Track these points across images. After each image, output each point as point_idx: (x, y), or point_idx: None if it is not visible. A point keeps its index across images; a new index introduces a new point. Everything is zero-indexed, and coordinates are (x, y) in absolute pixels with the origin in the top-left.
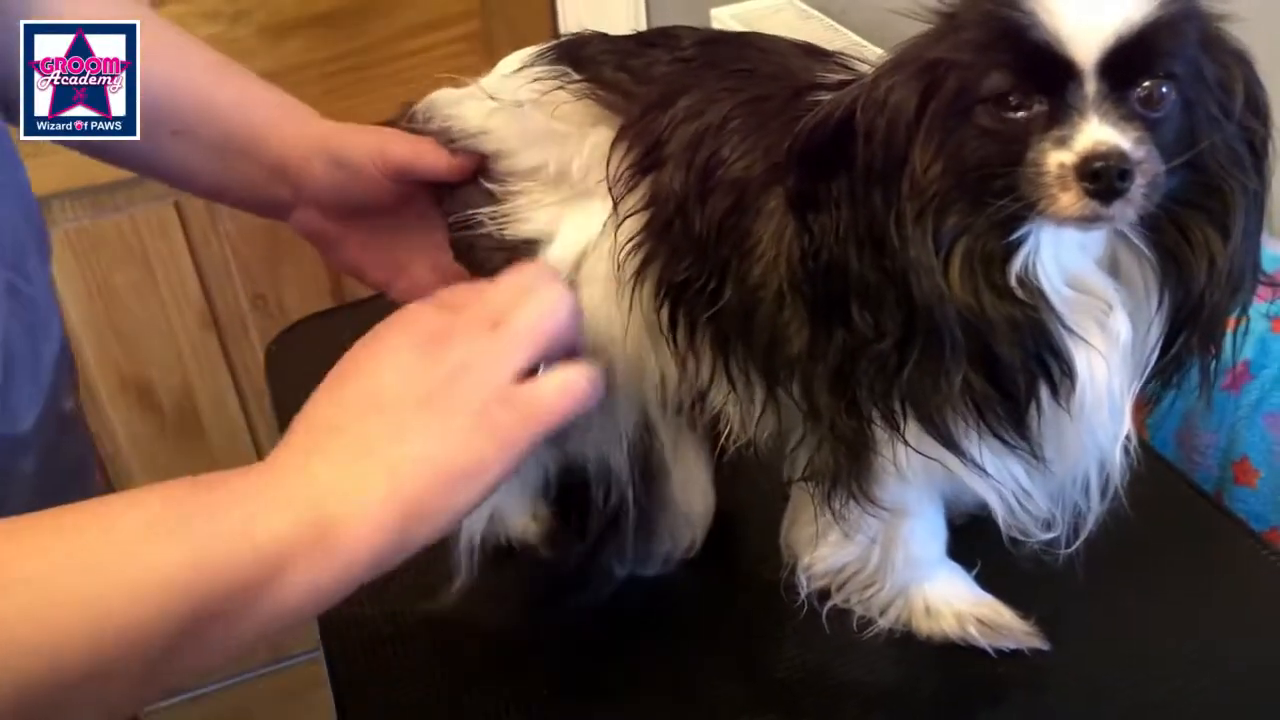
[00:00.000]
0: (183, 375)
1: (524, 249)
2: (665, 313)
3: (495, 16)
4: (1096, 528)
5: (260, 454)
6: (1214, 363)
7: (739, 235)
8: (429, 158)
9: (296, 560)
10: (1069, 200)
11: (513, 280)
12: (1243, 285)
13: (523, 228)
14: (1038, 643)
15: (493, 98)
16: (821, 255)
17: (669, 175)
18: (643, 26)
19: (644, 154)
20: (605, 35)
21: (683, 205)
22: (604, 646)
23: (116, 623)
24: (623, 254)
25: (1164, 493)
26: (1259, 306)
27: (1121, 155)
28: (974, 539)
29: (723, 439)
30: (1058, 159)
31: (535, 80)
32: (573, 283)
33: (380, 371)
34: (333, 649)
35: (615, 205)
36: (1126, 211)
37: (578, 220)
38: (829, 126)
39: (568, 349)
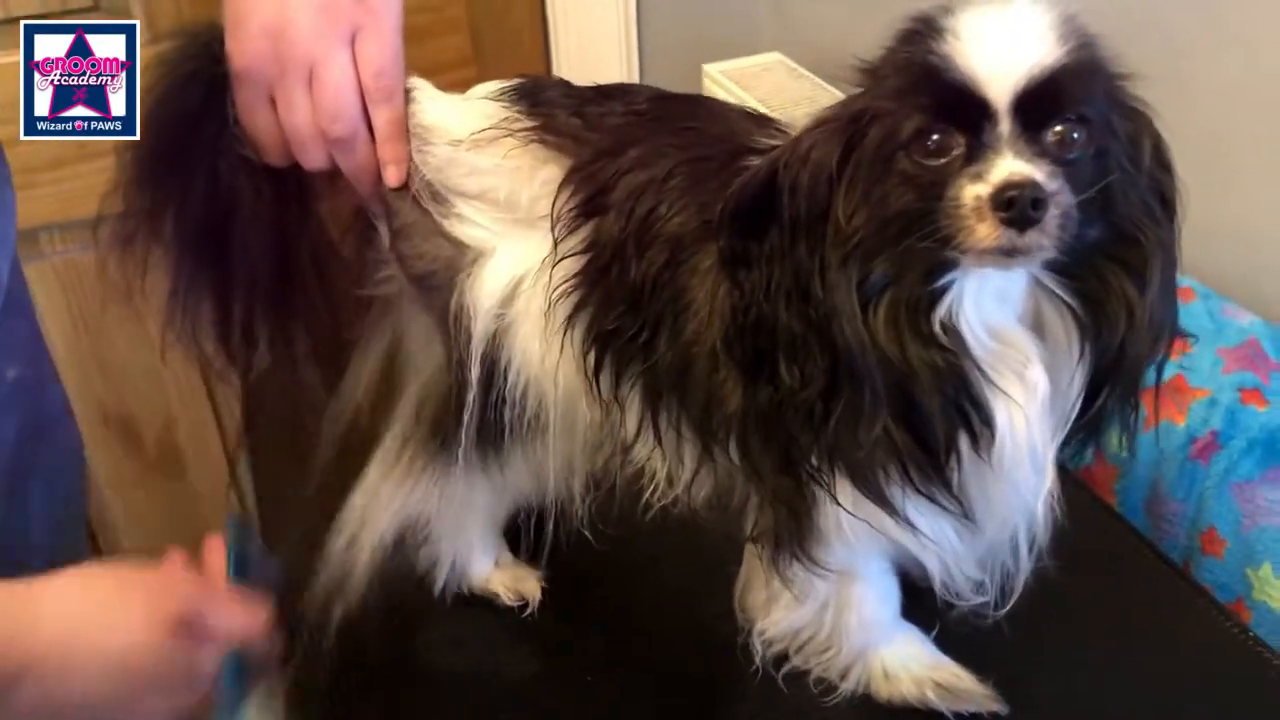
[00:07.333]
0: (166, 411)
1: (458, 247)
2: (591, 358)
3: (489, 65)
4: (1061, 592)
5: (240, 492)
6: (1134, 416)
7: (674, 291)
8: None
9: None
10: (985, 231)
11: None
12: (1162, 335)
13: (461, 229)
14: (996, 706)
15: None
16: (751, 311)
17: (611, 222)
18: (635, 80)
19: (589, 198)
20: (566, 82)
21: (620, 253)
22: (563, 696)
23: None
24: (556, 293)
25: (1131, 561)
26: (1227, 378)
27: (1034, 185)
28: (932, 601)
29: (646, 495)
30: (974, 192)
31: (486, 131)
32: (504, 315)
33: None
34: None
35: (556, 244)
36: (1041, 242)
37: (518, 246)
38: (756, 185)
39: None
